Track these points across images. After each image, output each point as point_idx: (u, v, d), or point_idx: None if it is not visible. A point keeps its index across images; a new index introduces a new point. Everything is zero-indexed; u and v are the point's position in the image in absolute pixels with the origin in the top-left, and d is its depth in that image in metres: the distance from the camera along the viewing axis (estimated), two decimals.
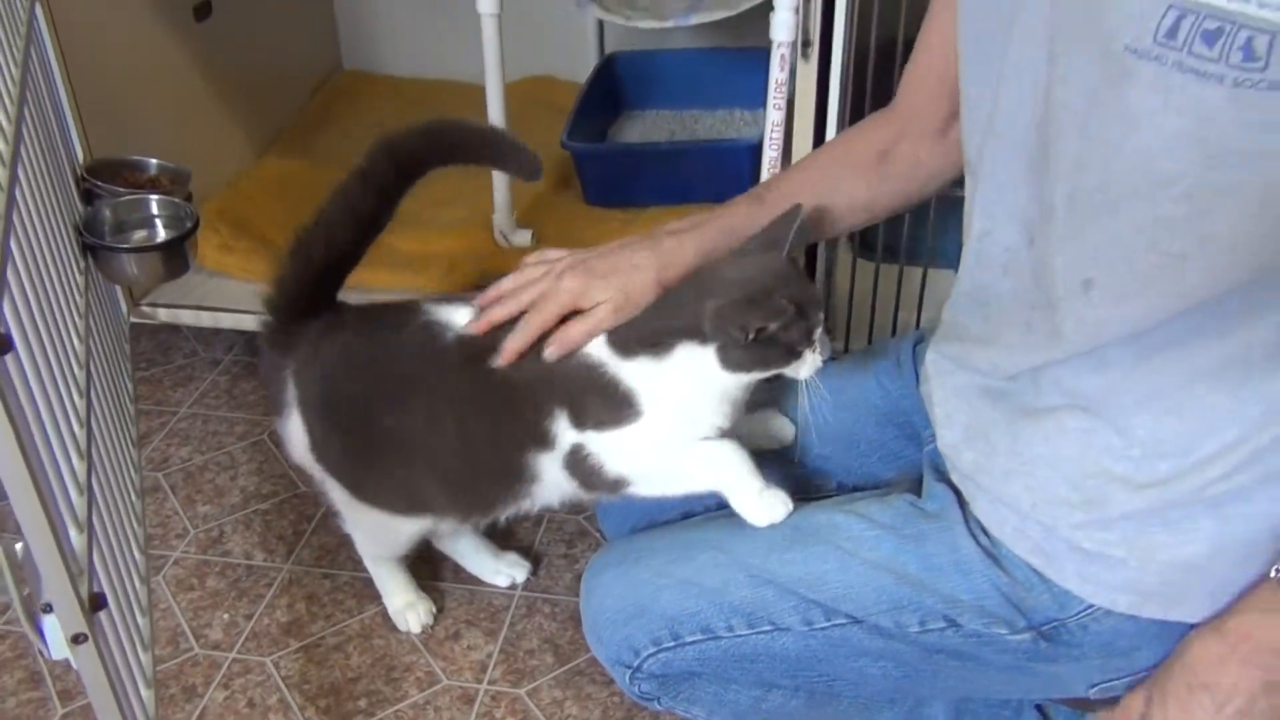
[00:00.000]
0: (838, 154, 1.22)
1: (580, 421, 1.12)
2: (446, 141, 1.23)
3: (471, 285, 1.73)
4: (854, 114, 1.40)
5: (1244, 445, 0.93)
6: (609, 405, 1.10)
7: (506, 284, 1.16)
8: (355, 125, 2.23)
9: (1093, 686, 1.09)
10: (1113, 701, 1.20)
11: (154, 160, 1.52)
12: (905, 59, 1.18)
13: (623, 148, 2.02)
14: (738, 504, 1.13)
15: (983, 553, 1.06)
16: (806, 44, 1.35)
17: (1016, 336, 1.02)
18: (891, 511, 1.10)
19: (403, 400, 1.17)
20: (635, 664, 1.15)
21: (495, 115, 1.65)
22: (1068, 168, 0.91)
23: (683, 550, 1.17)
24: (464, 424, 1.16)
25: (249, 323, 1.72)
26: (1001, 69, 0.95)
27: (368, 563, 1.41)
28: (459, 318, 1.15)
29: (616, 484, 1.14)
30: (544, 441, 1.13)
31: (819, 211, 1.17)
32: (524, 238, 1.78)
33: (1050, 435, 1.01)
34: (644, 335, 1.08)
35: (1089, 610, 1.02)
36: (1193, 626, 1.00)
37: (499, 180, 1.74)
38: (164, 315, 1.72)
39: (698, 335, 1.06)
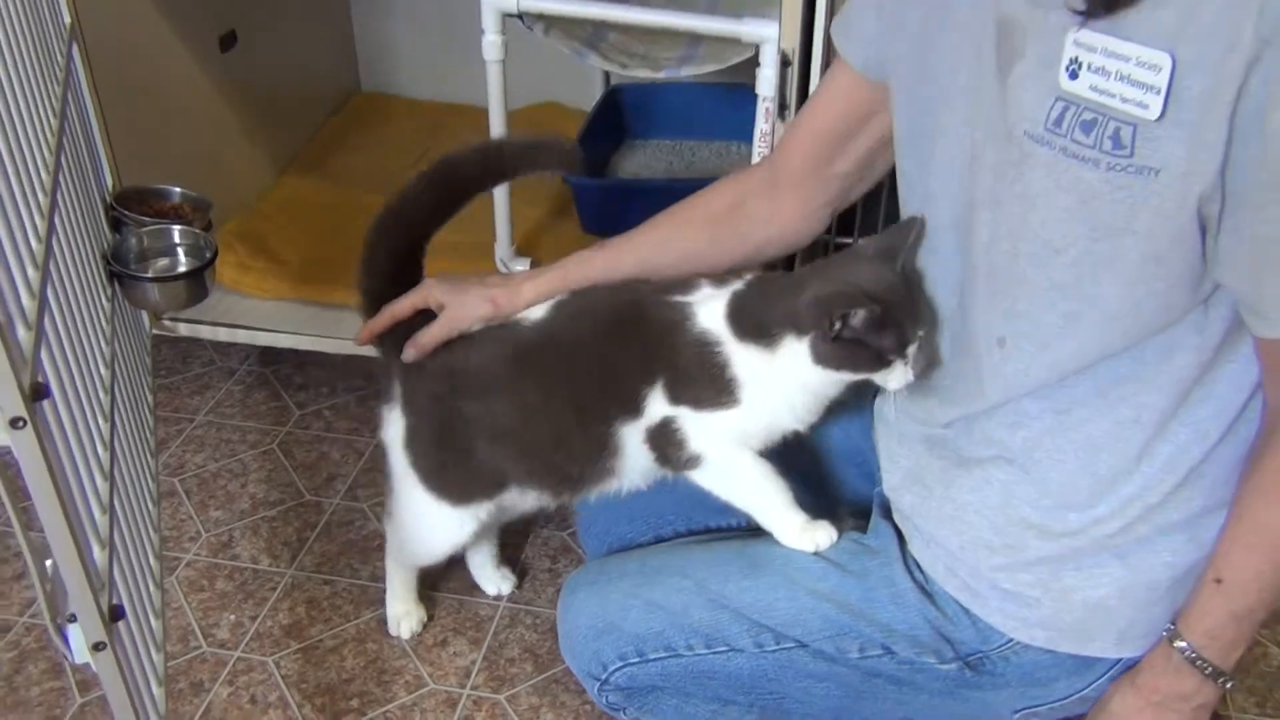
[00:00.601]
0: (692, 209, 1.31)
1: (677, 396, 1.18)
2: (496, 163, 1.35)
3: None
4: None
5: (1139, 501, 1.03)
6: (713, 387, 1.16)
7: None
8: (371, 146, 2.34)
9: (1017, 711, 1.19)
10: None
11: (177, 189, 1.63)
12: None
13: (618, 183, 2.13)
14: (779, 537, 1.21)
15: (917, 588, 1.16)
16: (784, 106, 1.45)
17: (949, 387, 1.12)
18: (838, 547, 1.21)
19: (495, 384, 1.26)
20: (604, 676, 1.26)
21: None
22: (985, 239, 1.02)
23: (650, 574, 1.28)
24: (554, 399, 1.24)
25: (263, 339, 1.84)
26: (933, 156, 1.07)
27: (390, 565, 1.51)
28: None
29: (690, 462, 1.22)
30: (633, 410, 1.20)
31: (650, 270, 1.28)
32: (523, 265, 1.88)
33: (979, 485, 1.12)
34: (757, 322, 1.15)
35: (1010, 644, 1.12)
36: (1104, 662, 1.11)
37: (500, 209, 1.84)
38: (184, 329, 1.83)
39: (796, 325, 1.12)
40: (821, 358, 1.12)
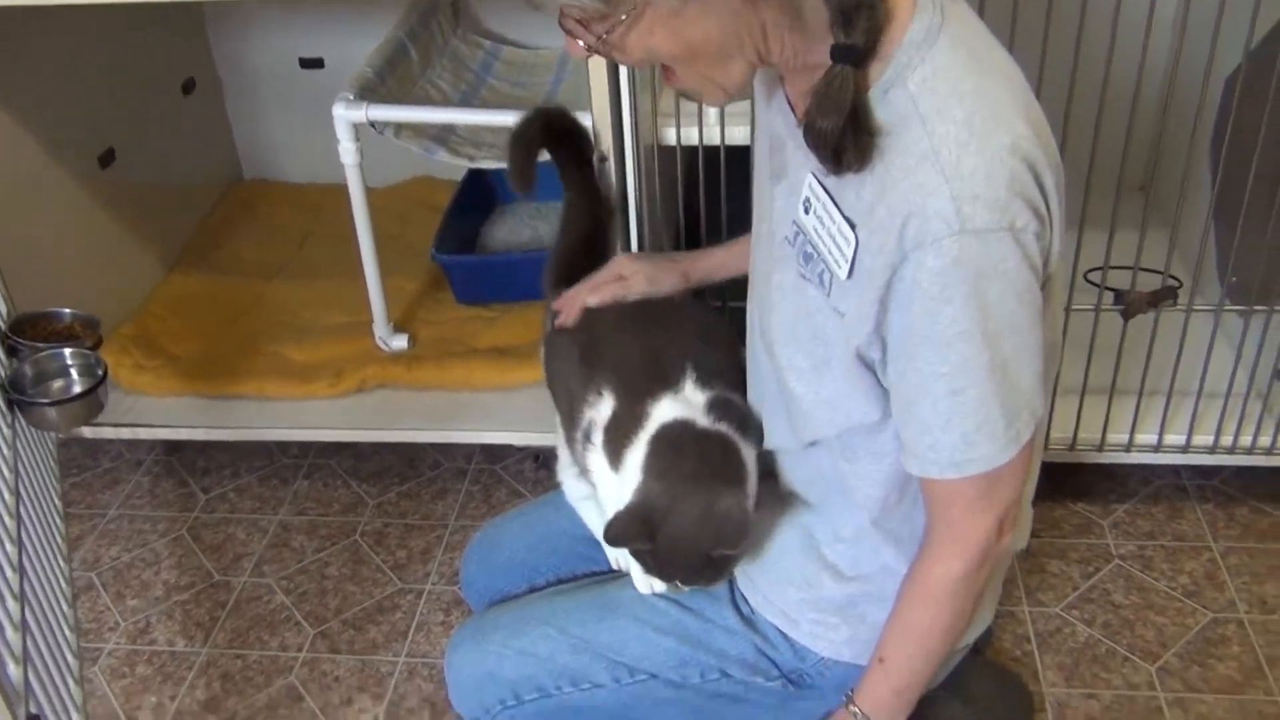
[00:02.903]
0: None
1: (600, 427, 1.32)
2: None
3: (355, 390, 2.00)
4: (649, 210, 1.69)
5: (897, 563, 1.22)
6: (618, 445, 1.28)
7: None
8: (254, 233, 2.48)
9: None
10: None
11: (68, 311, 1.76)
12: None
13: (481, 260, 2.30)
14: (633, 574, 1.37)
15: (742, 619, 1.34)
16: (603, 158, 1.63)
17: (771, 416, 1.29)
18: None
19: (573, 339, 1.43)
20: None
21: (367, 255, 1.92)
22: (760, 308, 1.20)
23: (521, 626, 1.45)
24: (573, 365, 1.40)
25: (164, 434, 1.98)
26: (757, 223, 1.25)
27: None
28: None
29: (588, 472, 1.36)
30: (589, 403, 1.33)
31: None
32: (401, 342, 2.04)
33: (783, 527, 1.30)
34: (648, 462, 1.25)
35: (822, 660, 1.31)
36: None
37: (374, 289, 2.00)
38: (88, 433, 1.97)
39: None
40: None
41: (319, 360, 2.05)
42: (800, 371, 1.14)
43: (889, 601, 1.25)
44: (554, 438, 1.53)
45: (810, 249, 1.09)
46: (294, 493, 2.06)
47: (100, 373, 1.65)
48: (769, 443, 1.28)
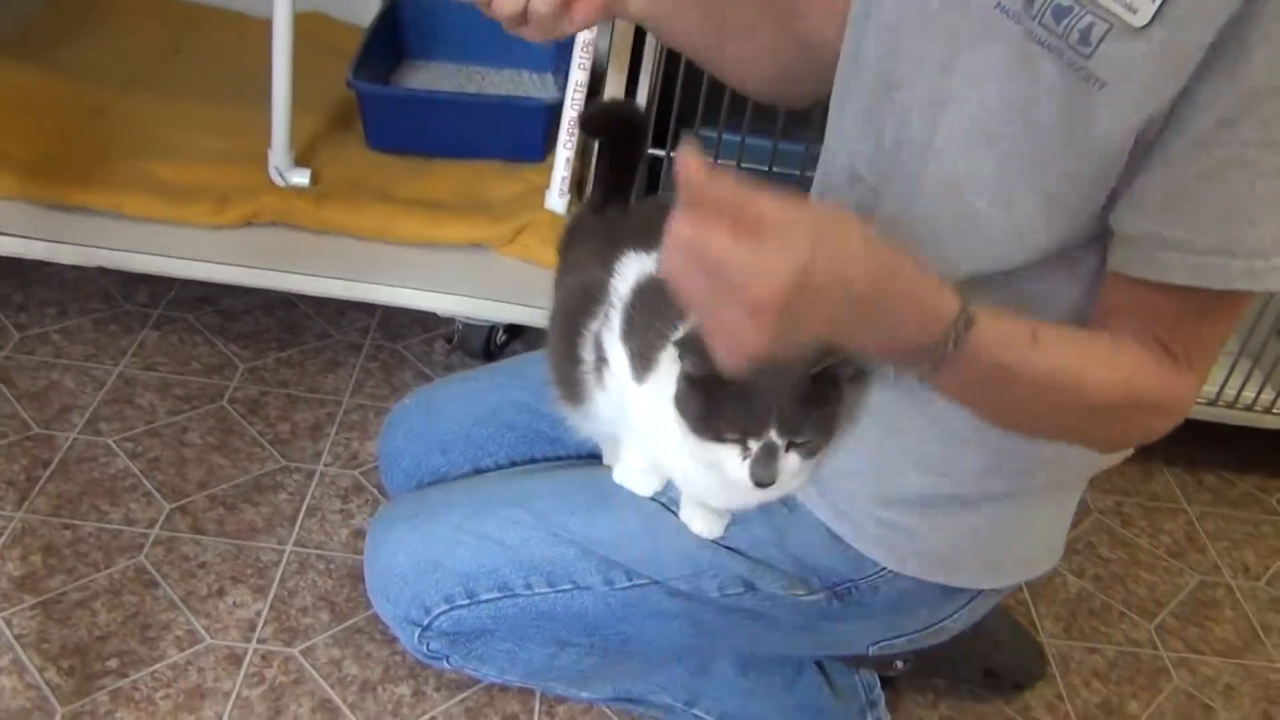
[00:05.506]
0: None
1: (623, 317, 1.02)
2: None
3: (244, 222, 1.61)
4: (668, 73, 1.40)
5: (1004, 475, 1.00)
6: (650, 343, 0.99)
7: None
8: (106, 36, 2.01)
9: (874, 644, 1.15)
10: (887, 661, 1.27)
11: None
12: None
13: (413, 93, 1.94)
14: (619, 468, 1.11)
15: (775, 530, 1.09)
16: None
17: None
18: None
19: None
20: (426, 622, 1.12)
21: (280, 55, 1.55)
22: (904, 108, 0.93)
23: (482, 505, 1.15)
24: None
25: None
26: (870, 14, 0.96)
27: None
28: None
29: (588, 401, 1.08)
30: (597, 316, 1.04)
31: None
32: (302, 177, 1.67)
33: (857, 407, 1.05)
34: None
35: (880, 572, 1.07)
36: (967, 593, 1.08)
37: (279, 115, 1.62)
38: None
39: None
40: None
41: (197, 183, 1.64)
42: (983, 183, 0.89)
43: (980, 508, 1.03)
44: (482, 308, 1.30)
45: (1069, 1, 0.82)
46: (139, 343, 1.65)
47: None
48: None
